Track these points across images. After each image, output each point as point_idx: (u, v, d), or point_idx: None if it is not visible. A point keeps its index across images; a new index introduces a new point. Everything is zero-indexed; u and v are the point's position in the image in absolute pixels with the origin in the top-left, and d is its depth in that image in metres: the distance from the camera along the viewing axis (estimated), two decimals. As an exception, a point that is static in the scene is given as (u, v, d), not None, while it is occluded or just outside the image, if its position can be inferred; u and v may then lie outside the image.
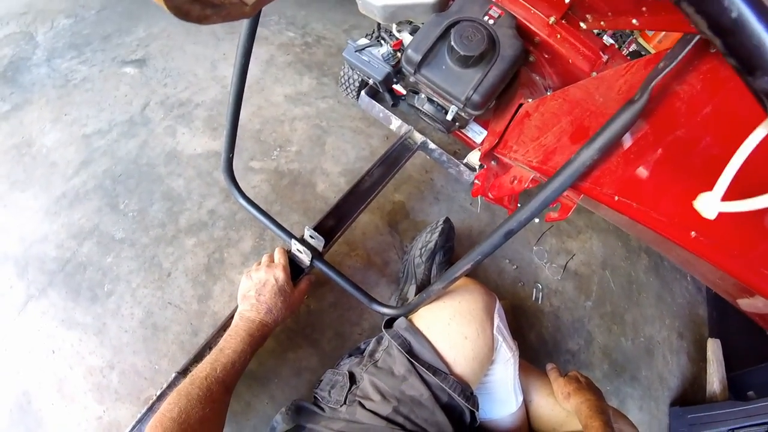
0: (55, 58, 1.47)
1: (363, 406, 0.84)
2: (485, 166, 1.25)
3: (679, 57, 0.53)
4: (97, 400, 1.02)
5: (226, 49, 1.58)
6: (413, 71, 1.06)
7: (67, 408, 1.01)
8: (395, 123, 1.49)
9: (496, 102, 1.21)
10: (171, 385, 0.95)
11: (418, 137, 1.44)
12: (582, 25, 1.07)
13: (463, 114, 1.15)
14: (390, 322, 0.98)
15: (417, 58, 1.03)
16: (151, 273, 1.18)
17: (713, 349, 1.68)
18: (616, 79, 0.71)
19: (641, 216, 0.58)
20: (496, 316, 0.96)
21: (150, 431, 0.73)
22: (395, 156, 1.37)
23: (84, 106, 1.37)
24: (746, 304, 0.72)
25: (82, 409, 1.01)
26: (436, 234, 1.28)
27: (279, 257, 1.06)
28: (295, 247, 1.08)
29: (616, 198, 0.62)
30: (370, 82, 1.26)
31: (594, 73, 1.07)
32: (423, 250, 1.28)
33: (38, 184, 1.24)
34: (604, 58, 1.10)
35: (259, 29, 1.65)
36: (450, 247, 1.32)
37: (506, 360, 0.96)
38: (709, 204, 0.42)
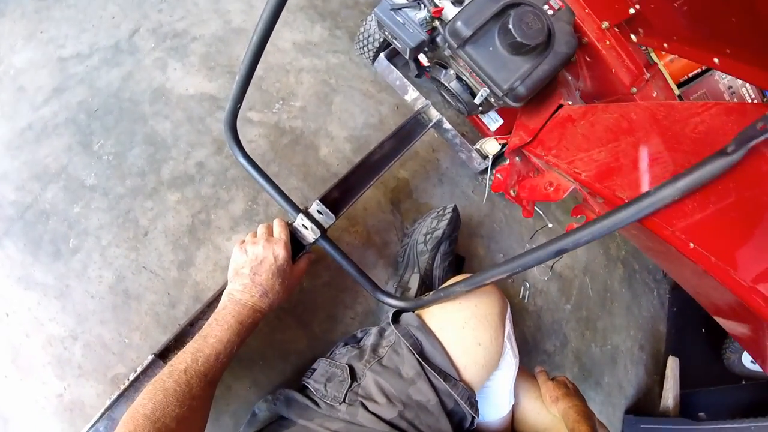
0: (38, -36, 1.20)
1: (365, 408, 0.79)
2: (508, 161, 1.18)
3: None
4: (58, 375, 0.89)
5: (231, -21, 1.35)
6: (457, 45, 0.95)
7: (23, 382, 0.88)
8: (411, 94, 1.36)
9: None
10: (146, 371, 0.83)
11: (434, 114, 1.32)
12: (633, 37, 1.02)
13: (494, 101, 1.06)
14: (396, 316, 0.93)
15: (466, 32, 0.93)
16: (125, 230, 1.03)
17: (672, 366, 1.76)
18: (691, 116, 0.68)
19: (718, 272, 0.56)
20: (507, 322, 0.94)
21: (122, 427, 0.64)
22: (408, 130, 1.26)
23: (64, 24, 1.14)
24: (729, 324, 0.75)
25: (40, 384, 0.88)
26: (444, 222, 1.20)
27: (280, 231, 0.92)
28: (301, 222, 0.96)
29: (692, 245, 0.58)
30: (398, 44, 1.13)
31: (634, 89, 1.04)
32: (428, 237, 1.20)
33: (1, 110, 1.03)
34: (647, 75, 1.05)
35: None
36: (455, 237, 1.25)
37: (509, 367, 0.95)
38: None
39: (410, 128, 1.26)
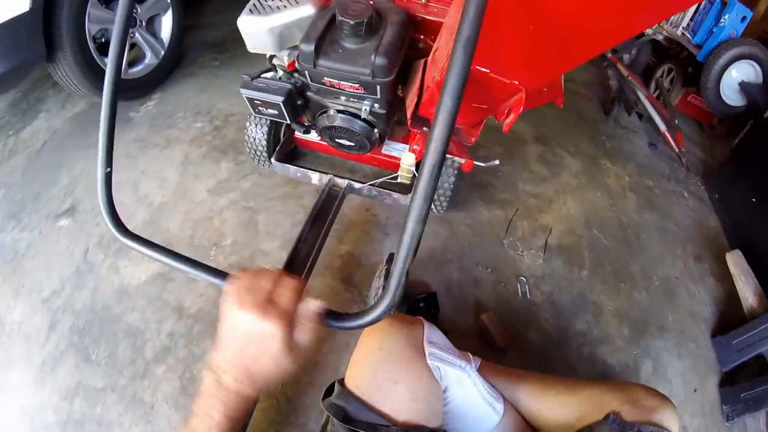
0: (-2, 233, 1.71)
1: None
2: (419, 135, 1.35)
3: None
4: None
5: (142, 166, 1.77)
6: (312, 65, 1.15)
7: None
8: (314, 177, 1.59)
9: (403, 89, 1.27)
10: None
11: (341, 182, 1.54)
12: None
13: (377, 106, 1.24)
14: (326, 395, 1.02)
15: (311, 47, 1.13)
16: (137, 410, 1.37)
17: (734, 261, 1.65)
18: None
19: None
20: (426, 344, 1.00)
21: None
22: (324, 209, 1.48)
23: (35, 272, 1.60)
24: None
25: None
26: (383, 278, 1.38)
27: None
28: None
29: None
30: (272, 111, 1.33)
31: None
32: (376, 297, 1.38)
33: (20, 360, 1.47)
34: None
35: (168, 130, 1.87)
36: (402, 285, 1.41)
37: (458, 380, 1.01)
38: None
39: (325, 206, 1.48)
